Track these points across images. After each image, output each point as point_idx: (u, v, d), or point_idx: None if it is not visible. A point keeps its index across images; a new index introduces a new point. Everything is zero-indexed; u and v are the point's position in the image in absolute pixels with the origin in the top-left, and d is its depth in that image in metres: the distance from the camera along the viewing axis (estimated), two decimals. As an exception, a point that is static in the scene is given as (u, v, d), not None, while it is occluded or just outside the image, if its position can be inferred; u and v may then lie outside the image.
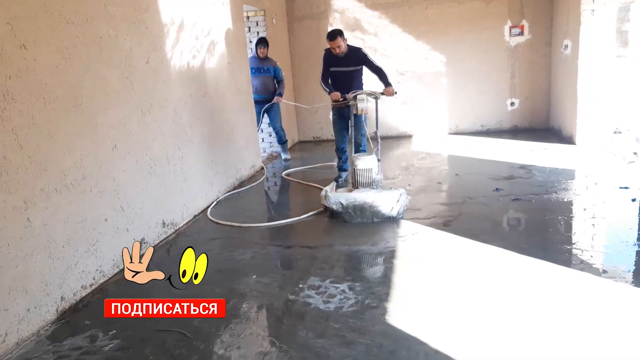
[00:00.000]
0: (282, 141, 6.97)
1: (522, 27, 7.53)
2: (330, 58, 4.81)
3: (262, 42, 6.47)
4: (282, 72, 6.65)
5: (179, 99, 4.21)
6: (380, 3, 7.71)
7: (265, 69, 6.51)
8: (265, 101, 6.55)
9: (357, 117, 4.62)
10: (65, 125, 2.82)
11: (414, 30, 7.74)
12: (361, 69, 4.88)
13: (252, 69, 6.44)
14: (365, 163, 4.11)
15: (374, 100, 4.39)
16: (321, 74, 4.88)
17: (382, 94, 4.47)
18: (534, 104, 7.78)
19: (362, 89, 4.78)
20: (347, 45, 4.76)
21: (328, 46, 4.75)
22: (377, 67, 4.75)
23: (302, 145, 8.27)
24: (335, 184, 4.28)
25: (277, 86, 6.62)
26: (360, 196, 3.90)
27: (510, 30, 7.56)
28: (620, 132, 6.47)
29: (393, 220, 3.90)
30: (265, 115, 6.65)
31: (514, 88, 7.79)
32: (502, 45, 7.62)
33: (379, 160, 4.37)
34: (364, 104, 4.34)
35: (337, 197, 3.95)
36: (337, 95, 4.61)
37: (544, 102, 7.70)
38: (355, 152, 4.56)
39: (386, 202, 3.85)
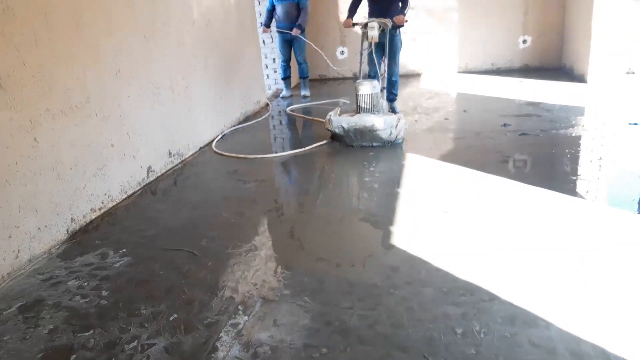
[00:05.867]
0: (303, 75, 6.79)
1: (538, -40, 7.22)
2: None
3: None
4: (308, 0, 6.31)
5: (182, 26, 4.10)
6: None
7: None
8: (288, 31, 6.29)
9: (389, 45, 4.69)
10: (67, 45, 2.77)
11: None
12: None
13: None
14: (367, 88, 4.24)
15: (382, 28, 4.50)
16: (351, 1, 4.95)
17: (392, 21, 4.55)
18: (547, 42, 7.56)
19: None
20: None
21: None
22: None
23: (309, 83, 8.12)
24: (340, 109, 4.53)
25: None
26: (361, 120, 4.10)
27: (525, -38, 7.27)
28: (633, 73, 6.33)
29: (394, 149, 4.06)
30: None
31: (526, 25, 7.56)
32: (516, -22, 7.34)
33: (383, 89, 4.62)
34: (374, 32, 4.46)
35: (339, 120, 4.19)
36: (348, 22, 4.77)
37: (557, 40, 7.49)
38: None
39: (385, 126, 4.05)
